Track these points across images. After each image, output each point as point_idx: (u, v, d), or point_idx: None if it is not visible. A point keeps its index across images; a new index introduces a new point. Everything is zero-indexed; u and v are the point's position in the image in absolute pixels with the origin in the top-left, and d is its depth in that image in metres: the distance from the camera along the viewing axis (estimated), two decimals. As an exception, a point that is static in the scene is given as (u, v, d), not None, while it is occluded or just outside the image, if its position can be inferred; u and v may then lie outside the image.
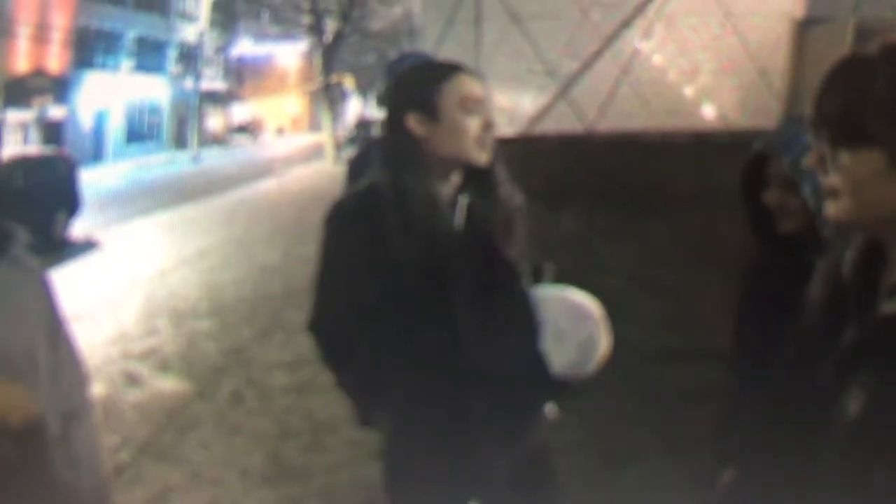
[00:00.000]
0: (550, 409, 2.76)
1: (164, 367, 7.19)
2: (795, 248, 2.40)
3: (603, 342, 2.62)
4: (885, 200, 1.38)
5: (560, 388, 2.64)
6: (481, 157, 2.50)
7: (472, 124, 2.48)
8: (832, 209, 1.44)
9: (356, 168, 3.80)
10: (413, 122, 2.51)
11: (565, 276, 2.58)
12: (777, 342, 2.40)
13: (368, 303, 2.47)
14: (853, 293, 1.48)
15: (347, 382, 2.65)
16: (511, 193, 2.63)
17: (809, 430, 1.48)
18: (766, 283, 2.50)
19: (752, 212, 2.48)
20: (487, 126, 2.49)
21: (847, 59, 1.43)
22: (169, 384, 6.73)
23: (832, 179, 1.43)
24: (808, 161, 1.48)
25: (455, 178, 2.55)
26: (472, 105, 2.49)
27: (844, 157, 1.40)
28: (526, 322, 2.58)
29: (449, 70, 2.54)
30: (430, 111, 2.50)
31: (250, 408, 6.17)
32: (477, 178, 2.56)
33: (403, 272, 2.43)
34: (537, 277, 2.70)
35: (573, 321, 2.61)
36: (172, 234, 15.94)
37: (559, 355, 2.58)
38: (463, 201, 2.54)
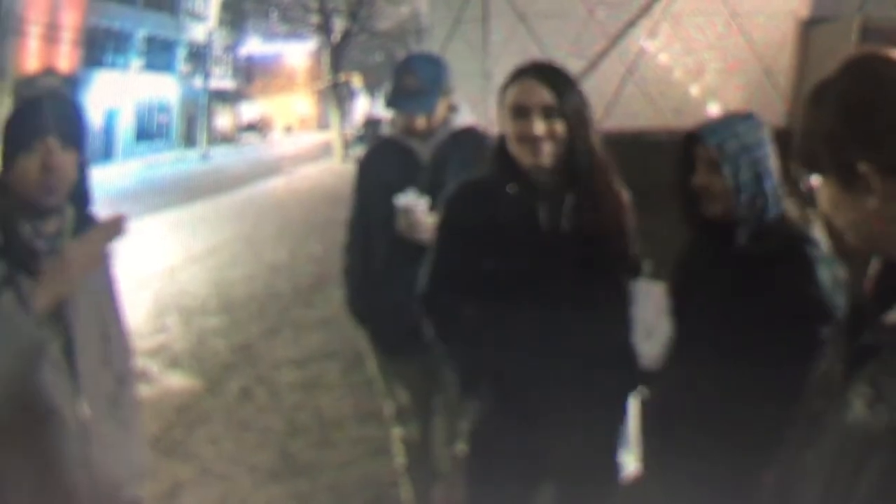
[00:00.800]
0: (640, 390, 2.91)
1: (174, 363, 7.21)
2: (720, 232, 2.55)
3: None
4: (856, 225, 1.40)
5: (647, 378, 2.77)
6: (530, 160, 2.61)
7: (516, 130, 2.61)
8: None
9: (366, 167, 3.79)
10: (500, 122, 2.71)
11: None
12: (703, 325, 2.52)
13: (473, 284, 2.66)
14: (870, 303, 1.50)
15: (451, 354, 2.84)
16: (609, 192, 2.74)
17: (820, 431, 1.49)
18: (694, 266, 2.67)
19: (682, 194, 2.62)
20: (528, 134, 2.59)
21: (814, 87, 1.46)
22: (178, 381, 6.75)
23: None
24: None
25: (548, 176, 2.64)
26: (518, 112, 2.61)
27: (818, 189, 1.44)
28: (621, 315, 2.73)
29: (515, 76, 2.69)
30: (500, 114, 2.70)
31: (259, 404, 6.18)
32: (576, 178, 2.65)
33: (502, 261, 2.61)
34: (635, 273, 2.85)
35: (662, 318, 2.71)
36: (181, 231, 15.97)
37: (648, 349, 2.72)
38: (563, 200, 2.64)
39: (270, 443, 5.39)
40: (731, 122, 2.58)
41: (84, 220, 2.51)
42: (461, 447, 2.94)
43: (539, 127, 2.59)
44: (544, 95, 2.61)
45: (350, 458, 5.06)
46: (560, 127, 2.60)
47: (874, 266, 1.53)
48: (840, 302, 2.39)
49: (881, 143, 1.33)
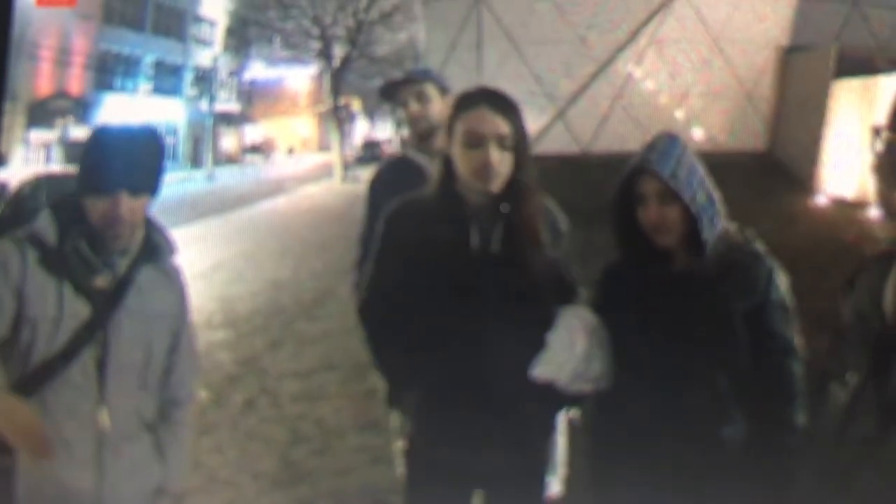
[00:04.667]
0: (572, 413, 2.81)
1: (181, 375, 7.19)
2: (666, 259, 2.46)
3: (600, 362, 2.51)
4: None
5: (567, 400, 2.63)
6: (482, 187, 2.55)
7: (471, 157, 2.54)
8: (887, 224, 1.43)
9: (377, 183, 3.81)
10: (443, 140, 2.65)
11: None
12: (640, 352, 2.42)
13: (406, 299, 2.59)
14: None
15: (380, 363, 2.79)
16: (539, 218, 2.64)
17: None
18: (638, 294, 2.51)
19: (625, 229, 2.50)
20: (484, 164, 2.52)
21: None
22: (185, 392, 6.74)
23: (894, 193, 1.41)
24: (873, 167, 1.45)
25: (487, 198, 2.58)
26: (473, 140, 2.53)
27: None
28: (542, 338, 2.56)
29: (469, 104, 2.59)
30: (451, 138, 2.59)
31: (263, 415, 6.18)
32: (510, 202, 2.59)
33: (432, 279, 2.55)
34: (567, 299, 2.68)
35: (575, 341, 2.51)
36: (188, 248, 15.82)
37: (544, 372, 2.54)
38: (493, 221, 2.58)
39: (274, 451, 5.39)
40: (666, 147, 2.46)
41: (149, 245, 2.56)
42: (399, 469, 2.93)
43: (495, 156, 2.52)
44: (499, 126, 2.55)
45: (350, 466, 5.07)
46: (510, 157, 2.55)
47: (891, 287, 1.47)
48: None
49: None
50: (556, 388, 2.53)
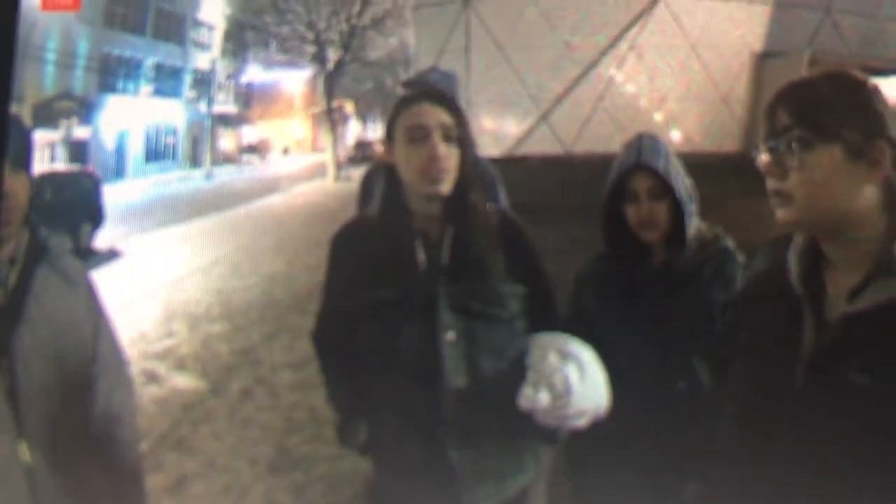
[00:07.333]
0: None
1: (181, 366, 7.19)
2: (646, 255, 2.44)
3: (582, 393, 2.22)
4: (837, 199, 1.40)
5: (543, 433, 2.30)
6: (430, 189, 2.21)
7: (416, 153, 2.20)
8: (783, 213, 1.46)
9: (369, 184, 3.79)
10: (384, 150, 2.33)
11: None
12: (623, 344, 2.39)
13: (354, 324, 2.30)
14: (806, 296, 1.48)
15: (331, 395, 2.47)
16: (489, 224, 2.32)
17: (783, 433, 1.45)
18: (620, 289, 2.48)
19: (613, 224, 2.44)
20: (431, 157, 2.18)
21: (798, 79, 1.48)
22: (185, 382, 6.73)
23: (788, 183, 1.44)
24: (763, 166, 1.49)
25: (434, 207, 2.26)
26: (418, 133, 2.20)
27: (808, 157, 1.42)
28: (507, 360, 2.27)
29: (408, 102, 2.27)
30: (390, 140, 2.29)
31: (258, 403, 6.17)
32: (458, 209, 2.27)
33: (382, 299, 2.24)
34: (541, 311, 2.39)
35: (552, 368, 2.22)
36: (187, 244, 15.90)
37: (535, 400, 2.20)
38: (446, 232, 2.27)
39: (269, 439, 5.39)
40: (654, 145, 2.42)
41: (38, 247, 2.18)
42: None
43: (442, 149, 2.18)
44: (442, 116, 2.22)
45: (341, 453, 5.02)
46: (456, 152, 2.23)
47: (798, 259, 1.52)
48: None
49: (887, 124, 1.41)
50: (532, 419, 2.22)
